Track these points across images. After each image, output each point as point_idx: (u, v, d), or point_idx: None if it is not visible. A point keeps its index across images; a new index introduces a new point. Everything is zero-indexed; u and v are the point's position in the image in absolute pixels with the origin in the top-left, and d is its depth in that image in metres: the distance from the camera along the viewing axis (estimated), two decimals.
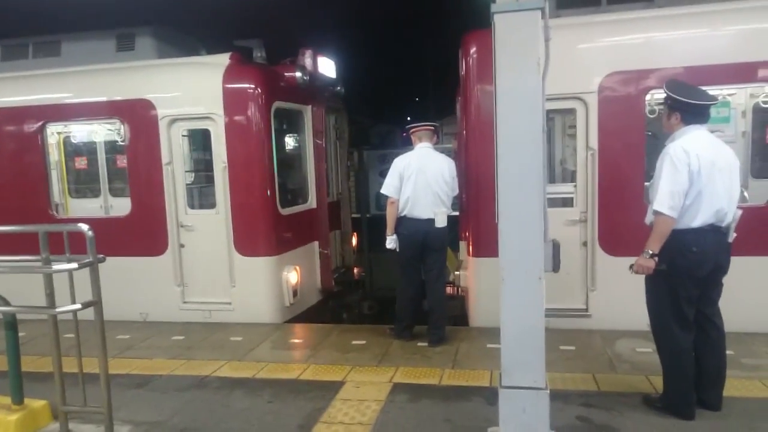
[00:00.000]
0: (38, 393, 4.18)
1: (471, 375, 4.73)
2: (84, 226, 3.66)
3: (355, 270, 9.01)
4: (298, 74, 6.92)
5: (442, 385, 4.57)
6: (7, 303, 3.86)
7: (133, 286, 6.69)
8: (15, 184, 7.05)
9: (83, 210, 7.74)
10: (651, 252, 3.66)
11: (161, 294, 6.70)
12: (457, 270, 6.55)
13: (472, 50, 5.72)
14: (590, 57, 5.54)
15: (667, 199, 3.57)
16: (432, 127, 5.71)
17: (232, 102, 6.38)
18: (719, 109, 5.54)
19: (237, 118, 6.38)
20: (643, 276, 3.81)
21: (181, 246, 6.65)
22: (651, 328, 3.94)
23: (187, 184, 6.83)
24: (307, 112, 7.39)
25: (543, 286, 3.13)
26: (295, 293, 6.70)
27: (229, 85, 6.40)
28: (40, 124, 6.97)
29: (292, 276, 6.67)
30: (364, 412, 4.10)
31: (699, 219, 3.62)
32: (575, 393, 4.32)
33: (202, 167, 7.15)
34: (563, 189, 5.87)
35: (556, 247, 3.18)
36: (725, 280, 3.87)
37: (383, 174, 6.11)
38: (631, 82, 5.39)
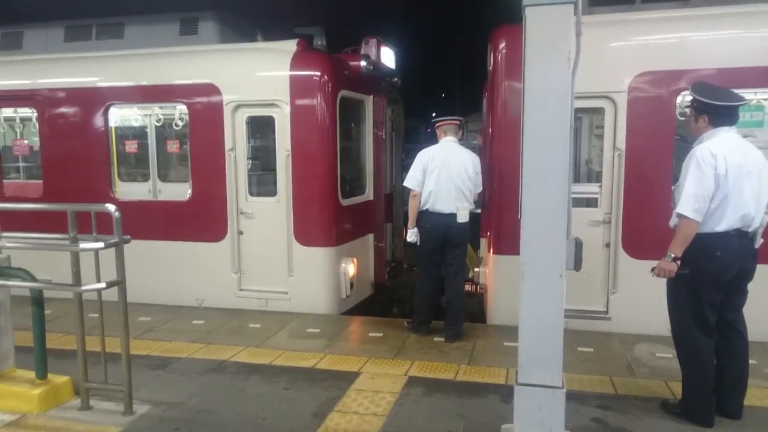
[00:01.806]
0: (62, 369, 4.28)
1: (487, 372, 4.72)
2: (111, 207, 3.73)
3: (405, 264, 8.96)
4: (363, 63, 6.83)
5: (458, 381, 4.56)
6: (34, 279, 3.96)
7: (190, 271, 6.72)
8: (78, 165, 7.05)
9: (131, 194, 7.62)
10: (673, 255, 3.60)
11: (218, 280, 6.68)
12: (477, 267, 6.53)
13: (501, 45, 5.67)
14: (621, 56, 5.45)
15: (691, 202, 3.51)
16: (457, 122, 5.70)
17: (299, 89, 6.28)
18: (753, 113, 5.40)
19: (303, 105, 6.29)
20: (665, 279, 3.75)
21: (240, 233, 6.62)
22: (671, 332, 3.88)
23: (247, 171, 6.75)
24: (369, 102, 7.36)
25: (564, 284, 3.10)
26: (351, 285, 6.65)
27: (296, 72, 6.31)
28: (104, 105, 6.94)
29: (350, 267, 6.62)
30: (378, 403, 4.12)
31: (724, 223, 3.56)
32: (592, 395, 4.28)
33: (263, 154, 7.05)
34: (588, 189, 5.80)
35: (578, 245, 3.15)
36: (752, 287, 3.79)
37: (407, 168, 6.10)
38: (663, 82, 5.29)
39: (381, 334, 5.68)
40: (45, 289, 3.94)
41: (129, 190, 7.46)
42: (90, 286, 3.71)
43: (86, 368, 4.00)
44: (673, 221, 3.75)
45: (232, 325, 6.00)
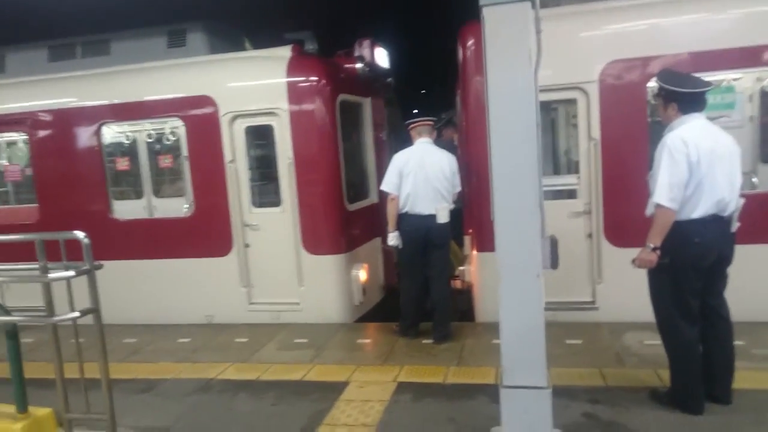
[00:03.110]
0: (44, 400, 4.18)
1: (476, 372, 4.69)
2: (80, 234, 3.64)
3: None
4: (359, 65, 6.76)
5: (447, 384, 4.53)
6: (7, 312, 3.86)
7: (197, 288, 6.61)
8: (74, 187, 6.93)
9: (128, 212, 7.42)
10: (652, 245, 3.59)
11: (227, 295, 6.57)
12: (462, 265, 6.50)
13: (470, 42, 5.65)
14: (590, 46, 5.44)
15: (666, 191, 3.50)
16: (431, 122, 5.66)
17: (297, 95, 6.17)
18: (724, 95, 5.41)
19: (302, 111, 6.17)
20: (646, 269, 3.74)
21: (246, 246, 6.51)
22: (656, 322, 3.87)
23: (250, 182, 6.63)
24: (367, 104, 7.29)
25: (542, 284, 3.07)
26: (363, 291, 6.55)
27: (294, 79, 6.20)
28: (96, 125, 6.82)
29: (362, 273, 6.51)
30: (367, 413, 4.08)
31: (700, 209, 3.55)
32: (581, 389, 4.26)
33: (265, 164, 6.87)
34: (567, 180, 5.79)
35: (554, 243, 3.12)
36: (735, 268, 3.78)
37: None
38: (632, 70, 5.29)
39: (370, 340, 5.64)
40: (18, 322, 3.85)
41: (125, 209, 7.32)
42: (63, 316, 3.62)
43: (67, 398, 3.91)
44: (649, 210, 3.74)
45: (218, 341, 5.93)
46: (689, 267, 3.60)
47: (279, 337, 5.93)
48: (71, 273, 3.55)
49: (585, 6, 5.63)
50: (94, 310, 3.66)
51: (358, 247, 6.66)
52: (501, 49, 2.89)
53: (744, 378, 4.10)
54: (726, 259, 3.70)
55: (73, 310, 3.67)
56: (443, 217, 5.40)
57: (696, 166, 3.49)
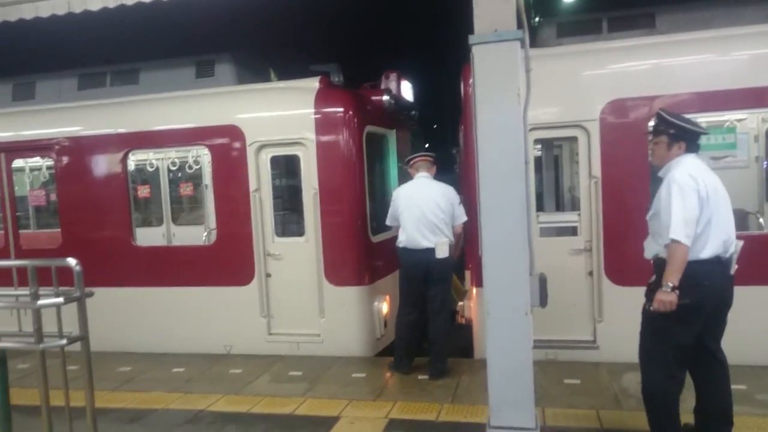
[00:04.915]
0: (29, 427, 4.16)
1: (470, 411, 4.59)
2: (72, 261, 3.66)
3: None
4: (386, 98, 6.81)
5: (439, 422, 4.44)
6: None
7: (216, 317, 6.56)
8: (97, 213, 6.95)
9: (145, 239, 7.50)
10: (671, 285, 3.37)
11: (246, 325, 6.49)
12: (463, 300, 6.43)
13: (471, 80, 5.68)
14: (591, 84, 5.46)
15: (682, 226, 3.36)
16: (429, 158, 5.68)
17: (324, 126, 6.18)
18: (725, 135, 5.39)
19: (329, 142, 6.17)
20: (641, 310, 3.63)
21: (268, 275, 6.45)
22: (640, 360, 3.70)
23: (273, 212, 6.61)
24: (392, 136, 7.33)
25: (530, 322, 3.03)
26: (385, 324, 6.45)
27: (321, 110, 6.21)
28: (123, 152, 6.87)
29: (384, 306, 6.44)
30: None
31: (708, 249, 3.44)
32: (577, 429, 4.15)
33: (289, 194, 6.91)
34: (568, 218, 5.76)
35: (542, 281, 3.08)
36: (743, 311, 3.71)
37: None
38: (634, 109, 5.29)
39: (364, 375, 5.56)
40: (4, 347, 3.85)
41: (143, 235, 7.32)
42: (51, 343, 3.62)
43: (51, 427, 3.87)
44: (650, 253, 3.64)
45: (213, 372, 5.88)
46: (694, 310, 3.44)
47: (274, 369, 5.87)
48: (60, 300, 3.56)
49: (587, 45, 5.68)
50: (83, 338, 3.65)
51: (380, 279, 6.59)
52: (490, 87, 2.92)
53: (746, 425, 3.99)
54: (727, 302, 3.58)
55: (62, 337, 3.67)
56: (442, 252, 5.37)
57: (705, 202, 3.41)
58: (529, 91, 2.96)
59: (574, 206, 6.24)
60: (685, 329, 3.48)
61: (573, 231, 5.71)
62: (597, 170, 5.41)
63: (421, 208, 5.36)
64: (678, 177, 3.45)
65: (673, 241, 3.39)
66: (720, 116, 5.46)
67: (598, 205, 5.43)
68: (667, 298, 3.39)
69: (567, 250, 5.59)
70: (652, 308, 3.48)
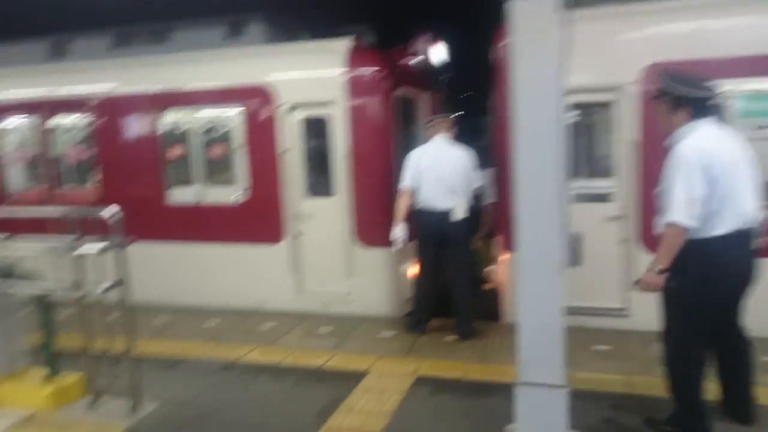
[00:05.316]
0: (74, 368, 4.35)
1: (497, 371, 4.63)
2: (107, 213, 3.78)
3: None
4: (418, 60, 6.74)
5: (466, 380, 4.50)
6: (40, 282, 4.04)
7: (248, 274, 6.69)
8: (133, 171, 7.07)
9: (179, 197, 7.40)
10: (660, 267, 3.28)
11: (277, 283, 6.61)
12: (491, 265, 6.43)
13: (502, 43, 5.57)
14: (630, 47, 5.29)
15: (684, 207, 3.16)
16: (447, 119, 5.62)
17: (356, 87, 6.13)
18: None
19: (360, 104, 6.12)
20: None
21: (298, 234, 6.53)
22: (663, 336, 3.59)
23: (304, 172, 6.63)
24: (424, 99, 7.27)
25: (561, 281, 3.02)
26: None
27: (353, 70, 6.15)
28: (158, 111, 6.90)
29: (411, 268, 6.43)
30: (384, 403, 4.09)
31: (724, 226, 3.21)
32: (605, 394, 4.16)
33: (319, 154, 6.81)
34: (601, 184, 5.67)
35: (577, 240, 3.07)
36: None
37: None
38: None
39: (393, 333, 5.64)
40: (50, 292, 4.02)
41: (179, 194, 7.35)
42: (92, 289, 3.77)
43: (96, 368, 4.06)
44: (659, 228, 3.50)
45: (245, 326, 6.03)
46: (718, 288, 3.31)
47: (304, 325, 5.99)
48: (101, 246, 3.69)
49: (625, 7, 5.48)
50: (122, 283, 3.79)
51: (409, 242, 6.66)
52: (528, 44, 2.85)
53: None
54: (745, 278, 3.35)
55: (101, 284, 3.82)
56: (459, 213, 5.36)
57: (718, 179, 3.16)
58: (569, 48, 2.88)
59: (607, 174, 6.14)
60: (701, 303, 3.34)
61: (606, 198, 5.63)
62: (634, 135, 5.29)
63: (440, 170, 5.34)
64: (684, 152, 3.20)
65: (670, 223, 3.22)
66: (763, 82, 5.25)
67: (634, 172, 5.33)
68: (653, 280, 3.33)
69: (599, 217, 5.51)
70: (637, 288, 3.45)
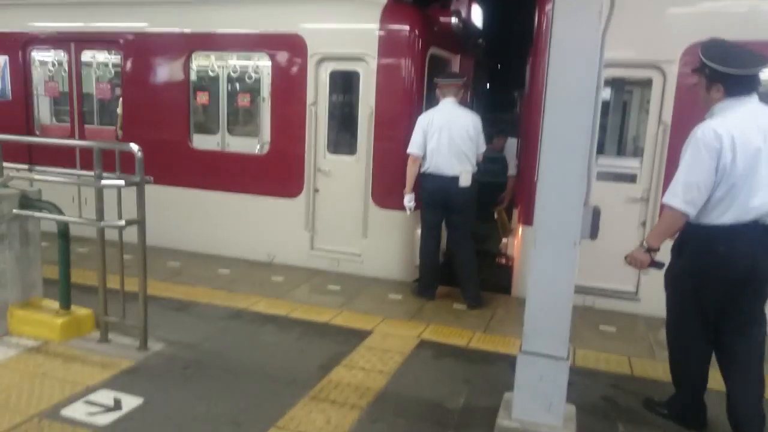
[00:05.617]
0: (86, 303, 4.45)
1: (501, 341, 4.64)
2: (135, 147, 3.79)
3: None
4: (454, 20, 6.55)
5: (470, 348, 4.51)
6: (60, 212, 4.10)
7: (263, 226, 6.70)
8: (159, 113, 6.99)
9: (203, 144, 7.53)
10: (648, 246, 3.22)
11: (291, 237, 6.57)
12: (507, 237, 6.39)
13: (548, 7, 5.40)
14: (675, 23, 5.10)
15: (680, 190, 3.03)
16: (458, 83, 5.48)
17: (388, 44, 5.97)
18: None
19: (391, 61, 5.98)
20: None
21: (316, 191, 6.47)
22: (666, 328, 3.52)
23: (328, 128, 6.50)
24: (456, 61, 7.08)
25: (576, 253, 2.97)
26: None
27: (386, 26, 5.98)
28: (187, 53, 6.79)
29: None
30: (385, 362, 4.12)
31: (730, 215, 3.03)
32: (606, 373, 4.16)
33: (344, 110, 6.78)
34: (628, 164, 5.54)
35: (596, 213, 3.01)
36: None
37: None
38: None
39: (400, 296, 5.66)
40: (70, 222, 4.08)
41: (201, 142, 7.36)
42: (111, 222, 3.81)
43: (106, 303, 4.14)
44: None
45: (255, 277, 6.09)
46: (712, 277, 3.14)
47: (313, 281, 6.04)
48: (121, 182, 3.71)
49: None
50: (140, 222, 3.82)
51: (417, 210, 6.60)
52: (569, 8, 2.75)
53: None
54: (754, 274, 3.10)
55: (121, 219, 3.85)
56: (465, 181, 5.29)
57: (730, 166, 2.97)
58: (611, 12, 2.78)
59: (636, 154, 6.00)
60: (694, 291, 3.23)
61: (632, 179, 5.51)
62: (668, 116, 5.14)
63: (450, 135, 5.25)
64: (701, 133, 3.03)
65: (666, 205, 3.12)
66: None
67: (663, 153, 5.20)
68: (640, 256, 3.28)
69: (623, 198, 5.41)
70: (625, 262, 3.39)
